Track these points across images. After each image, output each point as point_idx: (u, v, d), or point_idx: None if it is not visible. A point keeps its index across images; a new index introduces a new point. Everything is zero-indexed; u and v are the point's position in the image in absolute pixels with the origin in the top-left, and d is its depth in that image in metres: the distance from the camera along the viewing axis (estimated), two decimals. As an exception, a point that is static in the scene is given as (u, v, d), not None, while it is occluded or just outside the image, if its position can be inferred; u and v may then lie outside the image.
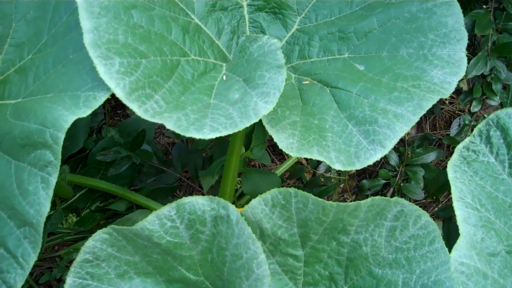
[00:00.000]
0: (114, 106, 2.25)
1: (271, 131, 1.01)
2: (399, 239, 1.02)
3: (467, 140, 1.13)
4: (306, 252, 1.04)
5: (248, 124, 0.95)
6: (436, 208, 1.91)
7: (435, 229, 1.02)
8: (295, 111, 1.08)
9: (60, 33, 1.17)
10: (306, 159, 1.93)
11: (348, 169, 0.98)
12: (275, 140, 0.99)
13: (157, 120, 0.95)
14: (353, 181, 1.67)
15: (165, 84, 1.00)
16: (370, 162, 0.99)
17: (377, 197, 0.99)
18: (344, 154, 1.00)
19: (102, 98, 0.96)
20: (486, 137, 1.12)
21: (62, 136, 0.94)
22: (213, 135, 0.94)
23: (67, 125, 0.95)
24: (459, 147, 1.12)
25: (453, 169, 1.09)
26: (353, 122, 1.04)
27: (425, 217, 1.02)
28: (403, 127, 1.01)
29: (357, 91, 1.08)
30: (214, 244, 1.01)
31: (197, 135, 0.94)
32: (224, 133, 0.94)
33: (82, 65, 1.03)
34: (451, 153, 2.09)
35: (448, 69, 1.08)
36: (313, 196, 0.96)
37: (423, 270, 1.00)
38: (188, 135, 0.94)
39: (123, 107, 2.26)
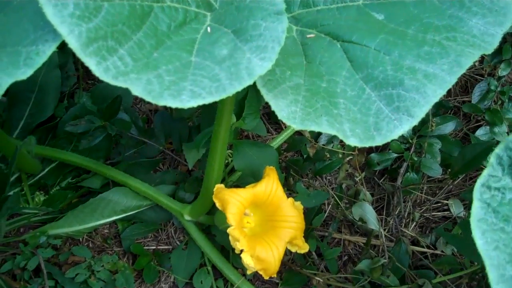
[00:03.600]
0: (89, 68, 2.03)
1: (267, 96, 0.81)
2: None
3: (485, 173, 0.83)
4: None
5: (239, 88, 0.75)
6: (452, 186, 1.72)
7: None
8: (298, 71, 0.88)
9: (3, -29, 0.95)
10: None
11: (366, 144, 0.78)
12: (273, 108, 0.80)
13: (120, 82, 0.75)
14: (362, 156, 1.48)
15: (133, 35, 0.80)
16: (395, 136, 0.79)
17: None
18: (361, 126, 0.81)
19: (46, 52, 0.76)
20: (510, 165, 0.83)
21: (-6, 104, 0.73)
22: (194, 103, 0.75)
23: (1, 91, 0.75)
24: (477, 186, 0.81)
25: (480, 229, 0.78)
26: (372, 85, 0.85)
27: None
28: (436, 91, 0.81)
29: (376, 46, 0.88)
30: None
31: (173, 103, 0.74)
32: (208, 99, 0.75)
33: (25, 11, 0.83)
34: (468, 122, 1.90)
35: (490, 18, 0.88)
36: None
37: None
38: (161, 103, 0.74)
39: (100, 70, 2.03)
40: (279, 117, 0.78)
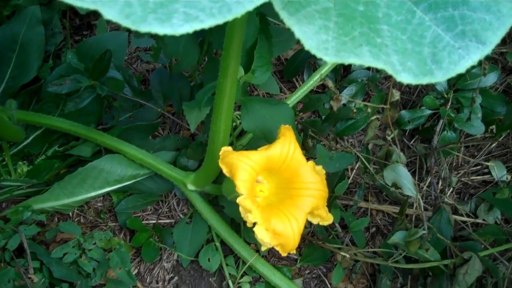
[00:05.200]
0: (78, 26, 1.85)
1: (289, 21, 0.62)
2: None
3: None
4: None
5: (250, 6, 0.56)
6: (494, 144, 1.53)
7: None
8: (326, -8, 0.68)
9: None
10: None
11: (423, 81, 0.59)
12: (297, 35, 0.60)
13: (88, 3, 0.55)
14: (395, 110, 1.28)
15: None
16: (461, 69, 0.60)
17: None
18: (414, 58, 0.62)
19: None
20: None
21: None
22: (189, 28, 0.55)
23: None
24: None
25: None
26: (424, 6, 0.65)
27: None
28: (514, 10, 0.62)
29: (427, -44, 0.68)
30: None
31: (160, 29, 0.55)
32: (208, 22, 0.55)
33: None
34: (507, 75, 1.70)
35: None
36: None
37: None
38: (144, 29, 0.55)
39: (90, 26, 1.85)
40: (307, 47, 0.59)
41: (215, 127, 1.16)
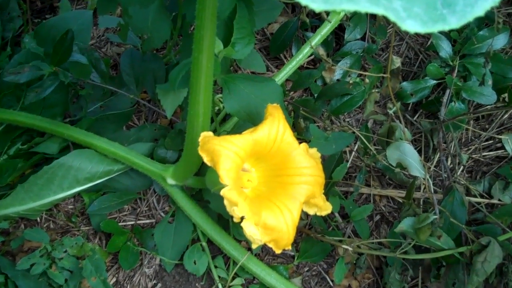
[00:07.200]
0: (40, 9, 1.74)
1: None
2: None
3: None
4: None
5: None
6: (506, 115, 1.44)
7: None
8: None
9: None
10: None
11: (434, 29, 0.50)
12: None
13: None
14: (396, 80, 1.17)
15: None
16: (478, 13, 0.50)
17: None
18: (421, 2, 0.52)
19: None
20: None
21: None
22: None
23: None
24: None
25: None
26: None
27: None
28: None
29: None
30: None
31: None
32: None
33: None
34: (516, 38, 1.61)
35: None
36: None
37: None
38: None
39: (53, 9, 1.74)
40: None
41: (193, 111, 1.07)
